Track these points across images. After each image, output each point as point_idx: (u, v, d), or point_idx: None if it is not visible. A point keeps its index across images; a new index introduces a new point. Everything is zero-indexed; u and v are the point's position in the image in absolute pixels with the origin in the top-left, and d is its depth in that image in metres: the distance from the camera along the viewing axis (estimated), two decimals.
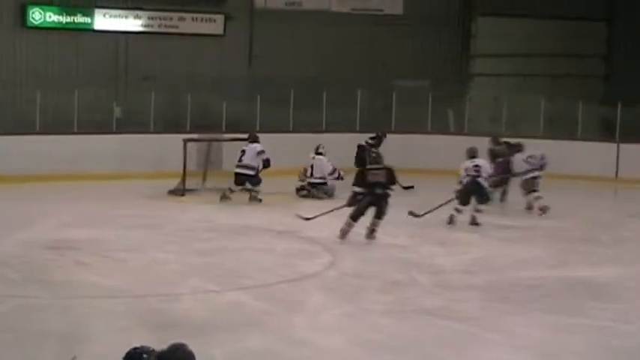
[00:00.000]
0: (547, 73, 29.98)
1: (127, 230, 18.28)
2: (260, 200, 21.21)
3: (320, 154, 22.09)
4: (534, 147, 21.51)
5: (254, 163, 21.11)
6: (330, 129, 25.64)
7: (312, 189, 21.87)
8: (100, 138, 23.60)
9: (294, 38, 27.79)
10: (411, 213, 18.09)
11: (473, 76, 30.15)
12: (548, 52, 29.96)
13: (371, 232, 17.16)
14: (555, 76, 29.87)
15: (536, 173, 20.62)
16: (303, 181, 22.04)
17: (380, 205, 16.97)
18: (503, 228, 19.38)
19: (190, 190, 21.91)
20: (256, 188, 21.18)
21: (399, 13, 29.51)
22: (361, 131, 25.15)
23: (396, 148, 23.44)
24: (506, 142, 21.98)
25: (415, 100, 26.62)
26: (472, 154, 19.47)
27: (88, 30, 26.13)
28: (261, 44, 27.90)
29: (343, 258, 16.43)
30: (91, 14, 26.13)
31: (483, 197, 19.14)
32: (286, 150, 22.48)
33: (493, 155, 21.47)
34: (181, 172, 22.15)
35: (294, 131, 25.50)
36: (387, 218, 17.21)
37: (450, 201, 18.39)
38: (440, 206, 18.53)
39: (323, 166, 21.91)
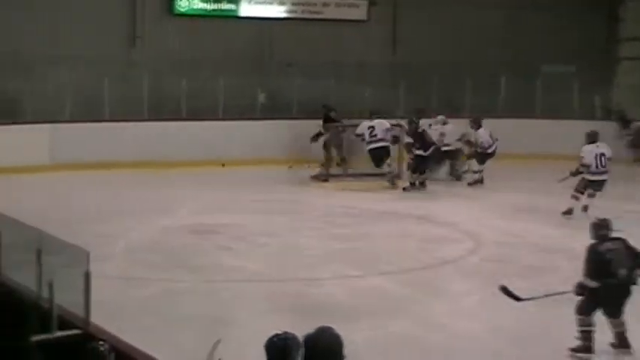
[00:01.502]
0: None
1: (268, 215, 18.42)
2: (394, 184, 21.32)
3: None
4: None
5: (387, 137, 21.37)
6: (472, 114, 25.33)
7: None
8: (244, 124, 23.76)
9: (436, 23, 27.58)
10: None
11: (620, 61, 29.45)
12: None
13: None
14: None
15: None
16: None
17: None
18: None
19: (334, 176, 21.95)
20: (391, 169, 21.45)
21: None
22: (504, 117, 24.84)
23: (540, 134, 23.19)
24: None
25: (560, 86, 26.17)
26: (593, 138, 18.69)
27: (233, 17, 26.38)
28: (404, 29, 27.77)
29: (483, 243, 16.30)
30: (236, 1, 26.37)
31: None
32: None
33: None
34: (323, 157, 22.29)
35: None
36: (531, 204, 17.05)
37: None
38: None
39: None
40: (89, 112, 23.48)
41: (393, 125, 21.64)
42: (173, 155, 22.55)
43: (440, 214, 18.50)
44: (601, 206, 16.85)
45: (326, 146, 22.41)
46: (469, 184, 21.69)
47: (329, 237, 16.22)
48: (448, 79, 25.45)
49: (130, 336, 8.12)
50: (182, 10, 25.82)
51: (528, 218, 18.27)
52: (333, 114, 23.49)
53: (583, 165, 18.38)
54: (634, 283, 10.31)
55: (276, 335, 5.76)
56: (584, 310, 10.32)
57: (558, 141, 23.69)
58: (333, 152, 22.73)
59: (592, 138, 18.65)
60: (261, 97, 25.65)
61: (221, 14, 26.28)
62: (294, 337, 5.74)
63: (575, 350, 10.31)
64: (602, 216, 10.85)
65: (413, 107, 23.55)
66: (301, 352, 5.61)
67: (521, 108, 25.38)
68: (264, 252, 15.66)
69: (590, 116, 26.58)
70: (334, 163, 22.64)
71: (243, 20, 26.44)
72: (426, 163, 21.14)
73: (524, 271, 14.36)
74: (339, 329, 5.74)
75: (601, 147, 18.58)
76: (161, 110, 23.90)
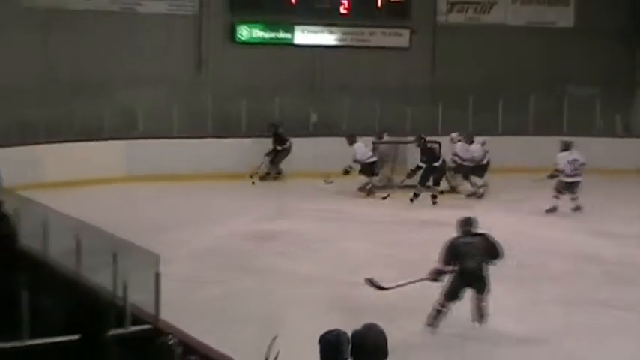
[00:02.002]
0: None
1: (320, 223, 18.43)
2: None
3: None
4: None
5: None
6: (505, 132, 25.28)
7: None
8: (297, 140, 23.75)
9: (472, 49, 27.46)
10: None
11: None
12: None
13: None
14: None
15: None
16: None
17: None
18: None
19: (379, 188, 21.88)
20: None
21: (570, 25, 28.97)
22: (534, 134, 24.72)
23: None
24: None
25: (585, 106, 26.06)
26: (567, 147, 19.96)
27: (288, 45, 26.43)
28: (442, 55, 27.71)
29: (518, 250, 16.18)
30: (291, 30, 26.42)
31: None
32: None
33: None
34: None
35: (473, 133, 25.14)
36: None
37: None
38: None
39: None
40: (160, 129, 23.61)
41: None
42: (234, 168, 22.59)
43: (480, 222, 18.41)
44: None
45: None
46: (467, 196, 21.47)
47: (376, 243, 16.18)
48: (483, 100, 25.28)
49: (194, 331, 8.16)
50: (242, 38, 25.92)
51: (557, 226, 18.17)
52: (280, 130, 23.59)
53: (557, 170, 19.64)
54: (481, 273, 11.29)
55: (329, 331, 5.80)
56: (452, 292, 11.24)
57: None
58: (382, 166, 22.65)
59: (566, 147, 19.97)
60: (313, 117, 25.69)
61: (277, 42, 26.34)
62: (344, 333, 5.75)
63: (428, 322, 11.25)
64: (469, 215, 11.81)
65: (449, 127, 23.42)
66: (349, 346, 5.60)
67: (549, 127, 25.12)
68: (315, 257, 15.68)
69: (612, 134, 26.43)
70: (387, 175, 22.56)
71: (298, 48, 26.47)
72: (434, 173, 20.86)
73: (555, 275, 14.27)
74: (383, 326, 5.73)
75: (574, 154, 19.78)
76: (224, 128, 23.97)
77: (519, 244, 16.50)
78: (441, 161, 20.92)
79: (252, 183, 22.57)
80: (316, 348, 5.76)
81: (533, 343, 11.02)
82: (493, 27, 28.28)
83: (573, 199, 19.55)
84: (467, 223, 11.59)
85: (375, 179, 22.06)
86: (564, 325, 11.73)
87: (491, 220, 18.46)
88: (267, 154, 23.28)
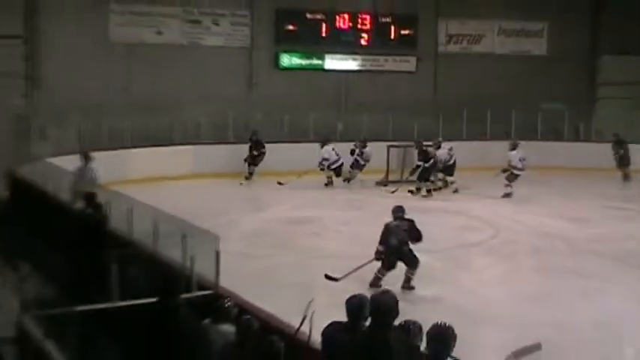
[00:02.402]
0: None
1: (343, 210, 18.41)
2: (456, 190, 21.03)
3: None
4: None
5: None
6: (493, 137, 25.22)
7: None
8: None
9: (466, 73, 27.29)
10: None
11: (599, 99, 29.02)
12: None
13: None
14: None
15: None
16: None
17: None
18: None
19: (392, 182, 21.83)
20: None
21: (543, 53, 28.84)
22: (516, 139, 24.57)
23: (540, 152, 22.88)
24: None
25: (555, 117, 26.00)
26: (514, 146, 20.28)
27: (320, 69, 26.35)
28: (442, 78, 27.61)
29: (501, 230, 16.15)
30: (322, 58, 26.35)
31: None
32: (459, 155, 21.87)
33: None
34: (385, 169, 22.19)
35: (466, 139, 25.11)
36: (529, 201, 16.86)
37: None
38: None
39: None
40: (218, 136, 23.71)
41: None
42: (278, 167, 22.55)
43: (469, 210, 18.35)
44: None
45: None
46: (453, 192, 20.98)
47: None
48: (475, 112, 25.23)
49: (247, 295, 8.18)
50: (284, 64, 25.91)
51: (532, 212, 18.07)
52: (255, 137, 22.57)
53: (511, 165, 19.90)
54: (402, 250, 11.40)
55: (353, 296, 5.84)
56: (386, 265, 11.47)
57: (554, 156, 23.44)
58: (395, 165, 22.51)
59: (514, 146, 20.32)
60: (340, 126, 25.62)
61: (311, 67, 26.26)
62: (365, 297, 5.76)
63: (370, 284, 11.29)
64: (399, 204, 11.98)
65: (442, 135, 23.26)
66: (369, 307, 5.61)
67: (526, 133, 24.97)
68: (341, 237, 15.69)
69: (577, 139, 26.32)
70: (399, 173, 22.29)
71: (327, 72, 26.37)
72: (428, 172, 20.64)
73: (532, 250, 14.21)
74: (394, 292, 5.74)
75: (520, 152, 20.10)
76: (270, 135, 23.99)
77: (501, 225, 16.54)
78: (432, 161, 20.75)
79: (240, 184, 21.89)
80: (343, 309, 5.78)
81: (516, 305, 11.00)
82: (482, 55, 28.16)
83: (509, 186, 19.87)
84: (398, 210, 11.68)
85: (340, 178, 21.89)
86: (540, 289, 11.70)
87: (481, 207, 18.53)
88: (246, 160, 22.34)
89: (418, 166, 20.66)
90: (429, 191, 20.53)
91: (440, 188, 21.02)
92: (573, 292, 11.63)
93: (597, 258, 13.67)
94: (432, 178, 20.87)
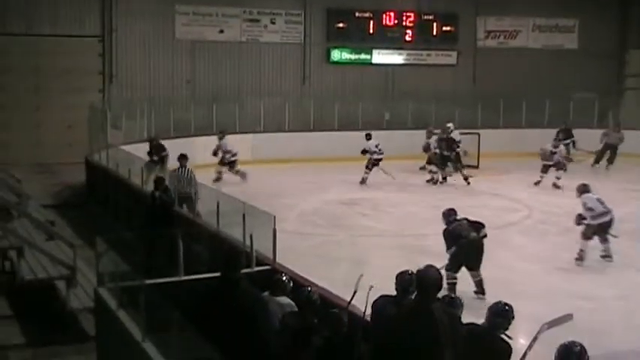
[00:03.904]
0: None
1: (391, 193, 18.28)
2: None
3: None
4: None
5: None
6: (528, 125, 24.87)
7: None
8: (375, 133, 23.47)
9: (503, 66, 26.95)
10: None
11: (626, 90, 28.49)
12: None
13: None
14: None
15: None
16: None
17: None
18: None
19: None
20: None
21: (575, 47, 28.40)
22: (549, 127, 24.01)
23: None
24: None
25: (586, 106, 25.46)
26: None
27: (368, 64, 26.14)
28: (481, 70, 27.27)
29: (534, 211, 15.94)
30: (370, 53, 26.12)
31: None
32: (497, 142, 21.64)
33: None
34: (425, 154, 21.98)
35: (503, 127, 24.81)
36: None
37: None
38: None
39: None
40: (276, 125, 23.74)
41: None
42: (330, 153, 22.48)
43: (507, 193, 18.10)
44: None
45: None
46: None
47: (432, 206, 15.94)
48: (511, 102, 24.92)
49: (302, 270, 8.12)
50: (335, 59, 25.74)
51: (564, 195, 17.75)
52: (156, 142, 18.01)
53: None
54: (482, 238, 10.02)
55: (403, 271, 5.90)
56: (450, 268, 9.90)
57: (585, 142, 22.87)
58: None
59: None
60: (387, 115, 25.48)
61: (360, 61, 26.06)
62: (413, 272, 5.68)
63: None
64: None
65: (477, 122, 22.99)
66: (415, 280, 5.51)
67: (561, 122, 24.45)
68: (389, 217, 15.59)
69: (606, 126, 25.79)
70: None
71: (375, 66, 26.15)
72: (449, 159, 19.80)
73: (562, 230, 13.95)
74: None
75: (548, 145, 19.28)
76: (322, 124, 23.95)
77: (535, 208, 16.29)
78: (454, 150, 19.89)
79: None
80: (392, 283, 5.70)
81: (549, 279, 10.83)
82: (518, 49, 27.83)
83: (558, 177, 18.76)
84: (451, 213, 10.43)
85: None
86: (571, 264, 11.54)
87: (518, 191, 18.25)
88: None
89: (444, 155, 19.75)
90: (445, 178, 19.70)
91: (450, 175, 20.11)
92: (600, 267, 11.52)
93: (622, 235, 13.34)
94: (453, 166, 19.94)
